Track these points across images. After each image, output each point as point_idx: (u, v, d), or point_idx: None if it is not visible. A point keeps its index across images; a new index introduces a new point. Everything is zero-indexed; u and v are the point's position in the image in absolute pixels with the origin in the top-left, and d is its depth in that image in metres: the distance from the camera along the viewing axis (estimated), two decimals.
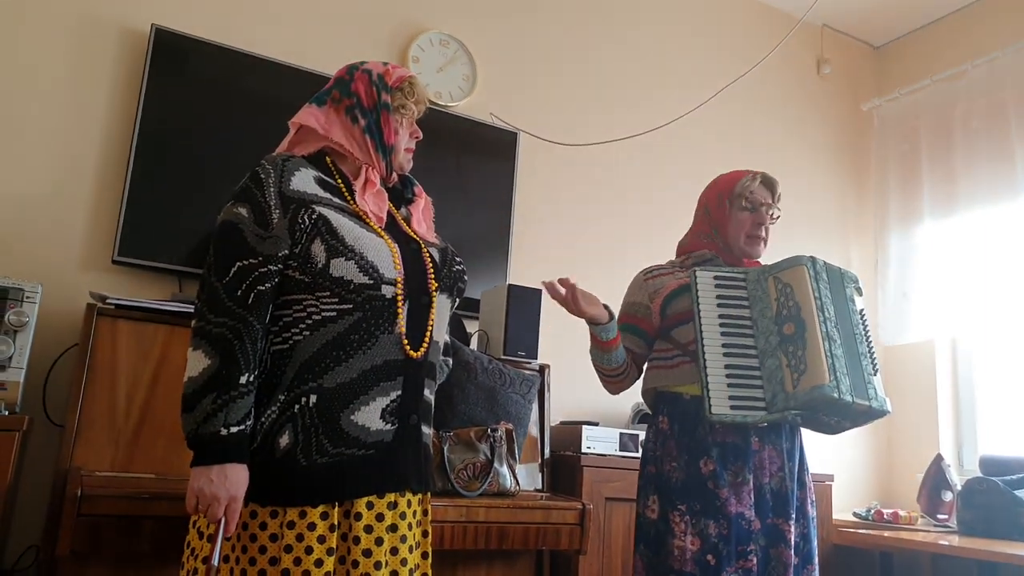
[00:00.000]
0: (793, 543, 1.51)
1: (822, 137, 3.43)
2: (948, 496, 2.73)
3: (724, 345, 1.52)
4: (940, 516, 2.74)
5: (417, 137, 1.38)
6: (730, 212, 1.65)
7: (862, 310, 1.57)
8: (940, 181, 3.11)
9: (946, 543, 2.35)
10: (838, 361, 1.45)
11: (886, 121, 3.38)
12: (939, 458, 2.80)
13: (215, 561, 1.12)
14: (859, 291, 1.60)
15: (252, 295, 1.16)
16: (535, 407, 2.26)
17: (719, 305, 1.55)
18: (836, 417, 1.52)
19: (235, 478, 1.12)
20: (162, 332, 1.85)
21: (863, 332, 1.53)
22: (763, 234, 1.64)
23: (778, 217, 1.67)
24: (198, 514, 1.19)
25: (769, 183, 1.67)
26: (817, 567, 1.57)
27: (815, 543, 1.57)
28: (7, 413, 1.61)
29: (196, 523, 1.21)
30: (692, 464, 1.53)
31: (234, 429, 1.12)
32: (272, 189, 1.20)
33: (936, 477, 2.77)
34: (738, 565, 1.46)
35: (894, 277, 3.22)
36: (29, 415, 1.65)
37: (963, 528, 2.55)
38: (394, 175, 1.36)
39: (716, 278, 1.57)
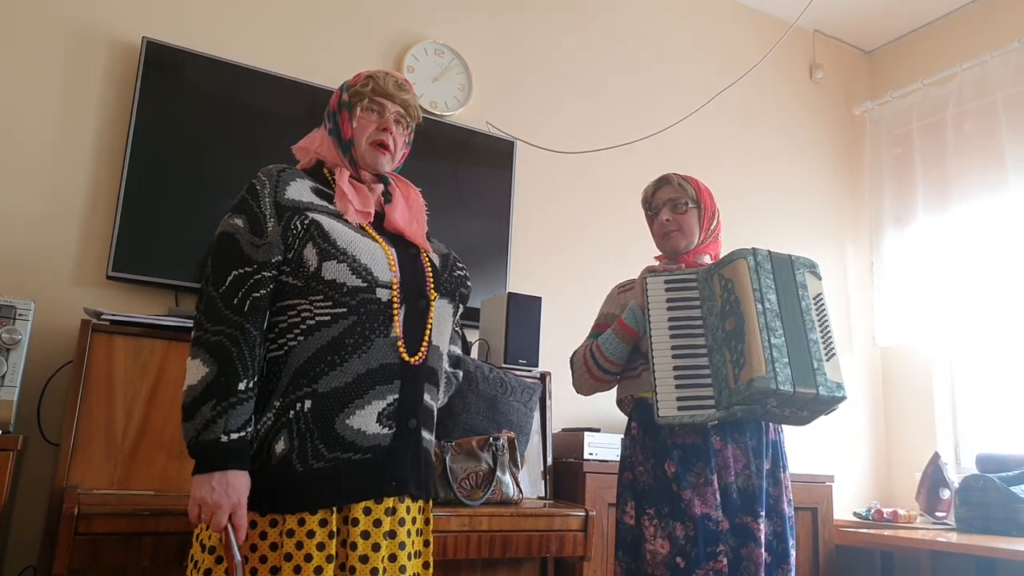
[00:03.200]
0: (764, 541, 1.50)
1: (816, 141, 3.46)
2: (946, 494, 2.74)
3: (673, 347, 1.54)
4: (938, 514, 2.75)
5: (385, 128, 1.32)
6: (650, 223, 1.76)
7: (819, 295, 1.55)
8: (933, 183, 3.14)
9: (944, 540, 2.37)
10: (777, 351, 1.44)
11: (879, 124, 3.41)
12: (936, 456, 2.82)
13: (237, 559, 1.11)
14: (815, 275, 1.58)
15: (248, 302, 1.17)
16: (537, 415, 2.25)
17: (669, 308, 1.58)
18: (787, 408, 1.48)
19: (237, 484, 1.12)
20: (159, 347, 1.83)
21: (814, 318, 1.51)
22: (670, 227, 1.68)
23: (685, 203, 1.68)
24: (201, 524, 1.18)
25: (658, 182, 1.76)
26: (793, 567, 1.54)
27: (791, 542, 1.55)
28: (1, 433, 1.59)
29: (199, 536, 1.20)
30: (658, 467, 1.56)
31: (234, 436, 1.12)
32: (267, 199, 1.22)
33: (934, 476, 2.79)
34: (708, 567, 1.46)
35: (889, 278, 3.24)
36: (24, 434, 1.63)
37: (961, 525, 2.57)
38: (365, 173, 1.33)
39: (667, 282, 1.60)
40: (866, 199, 3.45)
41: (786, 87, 3.41)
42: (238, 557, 1.11)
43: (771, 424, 1.61)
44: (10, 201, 1.99)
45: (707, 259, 1.70)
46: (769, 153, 3.30)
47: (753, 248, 1.56)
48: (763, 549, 1.49)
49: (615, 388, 1.75)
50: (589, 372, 1.69)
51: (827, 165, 3.47)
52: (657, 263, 1.74)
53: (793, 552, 1.55)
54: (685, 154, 3.03)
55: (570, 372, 1.77)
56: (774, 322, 1.47)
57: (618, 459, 2.26)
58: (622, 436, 1.77)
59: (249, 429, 1.14)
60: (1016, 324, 2.81)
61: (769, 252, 1.56)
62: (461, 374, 1.53)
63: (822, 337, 1.50)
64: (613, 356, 1.65)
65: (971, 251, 2.96)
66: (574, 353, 1.76)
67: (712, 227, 1.70)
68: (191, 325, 1.81)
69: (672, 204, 1.69)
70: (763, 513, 1.52)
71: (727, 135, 3.19)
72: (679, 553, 1.48)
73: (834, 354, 1.49)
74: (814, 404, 1.47)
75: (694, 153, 3.05)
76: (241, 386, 1.13)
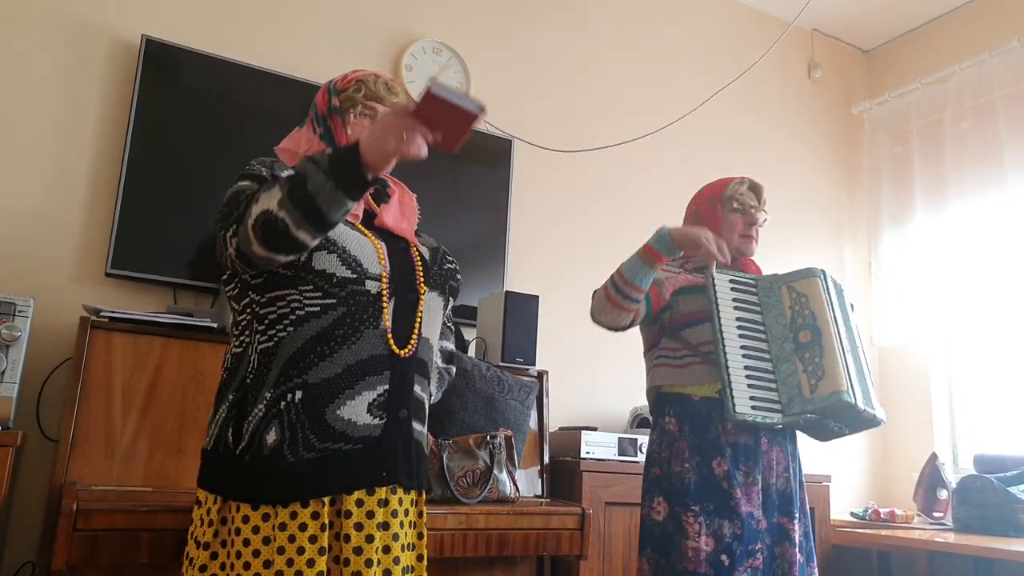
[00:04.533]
0: (798, 542, 1.55)
1: (814, 140, 3.46)
2: (943, 494, 2.75)
3: (743, 347, 1.56)
4: (936, 514, 2.75)
5: None
6: (722, 214, 1.70)
7: (857, 325, 1.67)
8: (931, 182, 3.14)
9: (941, 541, 2.37)
10: (851, 368, 1.52)
11: (877, 124, 3.41)
12: (934, 457, 2.82)
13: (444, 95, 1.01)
14: (852, 307, 1.70)
15: None
16: (534, 413, 2.26)
17: (736, 308, 1.60)
18: (842, 423, 1.56)
19: (369, 129, 1.10)
20: (157, 344, 1.84)
21: (862, 345, 1.63)
22: (754, 234, 1.70)
23: (766, 220, 1.73)
24: (195, 521, 1.19)
25: (756, 188, 1.75)
26: (817, 566, 1.62)
27: (814, 541, 1.63)
28: (0, 429, 1.60)
29: (193, 533, 1.21)
30: (705, 465, 1.55)
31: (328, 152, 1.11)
32: (266, 171, 1.25)
33: (931, 476, 2.79)
34: (747, 564, 1.49)
35: (887, 278, 3.24)
36: (23, 430, 1.64)
37: (958, 525, 2.57)
38: None
39: (732, 282, 1.62)
40: (864, 198, 3.45)
41: (785, 86, 3.41)
42: (449, 96, 1.01)
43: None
44: (10, 198, 2.00)
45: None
46: (768, 152, 3.30)
47: (823, 269, 1.65)
48: (797, 549, 1.53)
49: (645, 377, 1.72)
50: (608, 297, 1.59)
51: (825, 164, 3.47)
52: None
53: (816, 550, 1.64)
54: (683, 153, 3.04)
55: (590, 304, 1.67)
56: (846, 342, 1.56)
57: (615, 458, 2.28)
58: (645, 432, 1.79)
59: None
60: (1014, 324, 2.81)
61: (832, 277, 1.67)
62: (454, 370, 1.53)
63: (867, 364, 1.61)
64: (635, 280, 1.56)
65: (969, 251, 2.96)
66: (597, 289, 1.67)
67: None
68: (191, 322, 1.85)
69: (757, 211, 1.73)
70: (798, 515, 1.57)
71: (725, 134, 3.19)
72: (725, 551, 1.49)
73: (873, 380, 1.61)
74: (864, 423, 1.57)
75: (692, 152, 3.06)
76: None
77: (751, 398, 1.52)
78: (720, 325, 1.57)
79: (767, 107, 3.34)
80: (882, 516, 2.79)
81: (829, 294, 1.60)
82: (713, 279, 1.60)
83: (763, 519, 1.54)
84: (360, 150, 1.08)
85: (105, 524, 1.48)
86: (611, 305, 1.59)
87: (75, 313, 1.89)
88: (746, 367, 1.54)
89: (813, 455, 3.07)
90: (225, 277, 1.27)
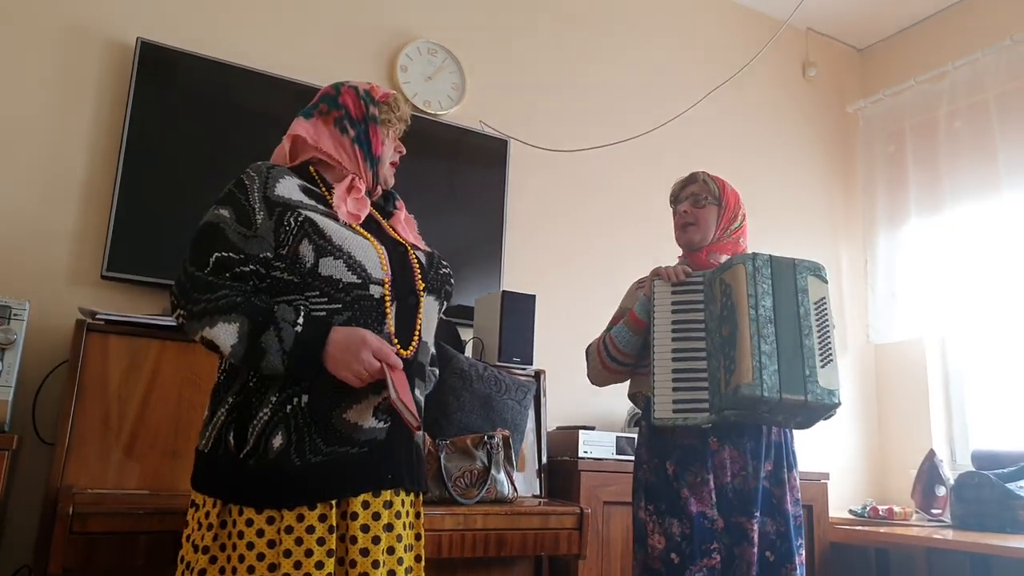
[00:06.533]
0: (761, 541, 1.52)
1: (808, 139, 3.46)
2: (941, 491, 2.75)
3: (674, 350, 1.58)
4: (934, 511, 2.76)
5: (400, 152, 1.41)
6: (673, 214, 1.79)
7: (821, 299, 1.55)
8: (925, 181, 3.15)
9: (939, 538, 2.37)
10: (767, 358, 1.46)
11: (871, 122, 3.42)
12: (931, 454, 2.82)
13: (394, 396, 1.14)
14: (820, 279, 1.58)
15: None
16: (531, 413, 2.26)
17: (675, 311, 1.61)
18: (780, 414, 1.50)
19: (342, 335, 1.16)
20: (154, 347, 1.83)
21: (812, 323, 1.52)
22: (689, 220, 1.71)
23: (706, 198, 1.72)
24: (192, 524, 1.19)
25: (688, 179, 1.78)
26: (800, 567, 1.55)
27: (795, 542, 1.56)
28: None
29: (190, 536, 1.20)
30: (660, 466, 1.60)
31: (299, 323, 1.15)
32: (256, 194, 1.22)
33: (929, 473, 2.79)
34: (702, 563, 1.49)
35: (883, 276, 3.25)
36: (18, 434, 1.63)
37: (956, 522, 2.57)
38: (379, 188, 1.38)
39: (676, 285, 1.63)
40: (859, 199, 3.45)
41: (779, 85, 3.42)
42: (395, 396, 1.13)
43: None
44: (5, 201, 1.99)
45: (723, 259, 1.72)
46: (762, 151, 3.31)
47: (755, 253, 1.57)
48: (756, 548, 1.51)
49: (628, 383, 1.78)
50: (602, 363, 1.72)
51: (820, 163, 3.48)
52: (677, 261, 1.76)
53: (800, 552, 1.57)
54: (678, 152, 3.04)
55: (585, 363, 1.79)
56: (766, 328, 1.49)
57: (612, 457, 2.28)
58: (636, 434, 1.82)
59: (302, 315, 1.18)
60: (1010, 320, 2.82)
61: (771, 257, 1.57)
62: (438, 371, 1.55)
63: (819, 342, 1.51)
64: (625, 347, 1.68)
65: (964, 249, 2.97)
66: (590, 345, 1.78)
67: (732, 227, 1.72)
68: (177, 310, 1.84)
69: (694, 199, 1.72)
70: (758, 514, 1.54)
71: (720, 133, 3.19)
72: (674, 549, 1.52)
73: (831, 360, 1.50)
74: (806, 410, 1.49)
75: (687, 151, 3.06)
76: (274, 308, 1.17)
77: (675, 401, 1.54)
78: (652, 332, 1.61)
79: (761, 106, 3.35)
80: (880, 513, 2.79)
81: (754, 280, 1.53)
82: (653, 288, 1.64)
83: (719, 519, 1.53)
84: (326, 356, 1.15)
85: (102, 527, 1.47)
86: (605, 372, 1.73)
87: (71, 316, 1.89)
88: (675, 370, 1.56)
89: (812, 453, 3.08)
90: None
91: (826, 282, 1.57)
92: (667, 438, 1.60)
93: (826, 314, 1.54)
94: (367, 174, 1.34)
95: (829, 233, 3.43)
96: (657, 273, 1.67)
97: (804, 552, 1.59)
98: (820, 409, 1.49)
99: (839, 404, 1.48)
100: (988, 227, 2.91)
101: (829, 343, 1.52)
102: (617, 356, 1.69)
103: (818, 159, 3.47)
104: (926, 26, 3.40)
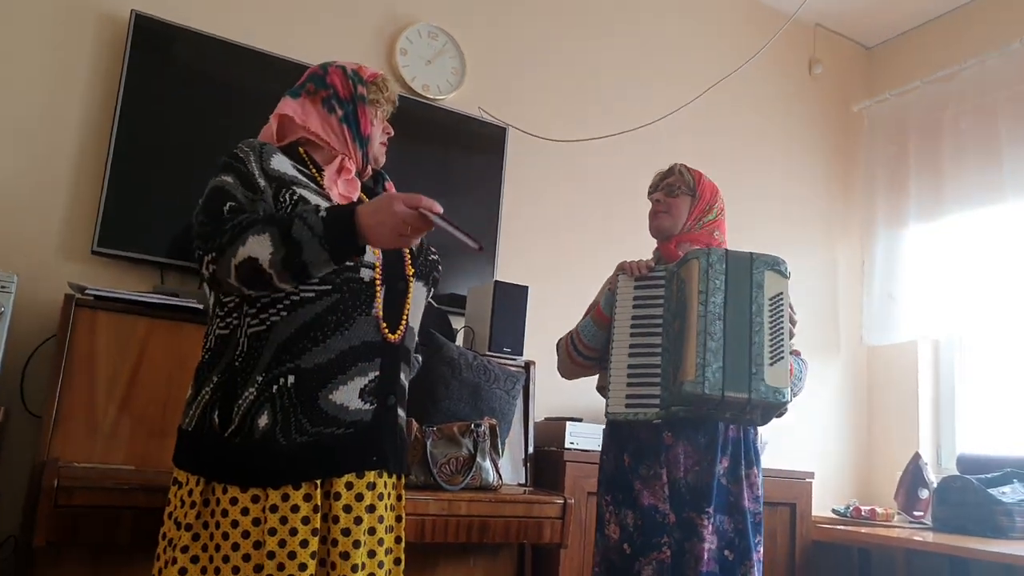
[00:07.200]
0: (709, 538, 1.52)
1: (811, 137, 3.44)
2: (924, 494, 2.77)
3: (631, 346, 1.59)
4: (916, 513, 2.78)
5: (389, 133, 1.40)
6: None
7: (777, 295, 1.52)
8: (927, 183, 3.13)
9: (920, 540, 2.39)
10: (712, 355, 1.45)
11: (876, 123, 3.39)
12: (916, 456, 2.84)
13: (447, 226, 1.10)
14: (779, 273, 1.54)
15: None
16: (520, 403, 2.27)
17: (635, 306, 1.62)
18: (727, 411, 1.48)
19: (372, 204, 1.12)
20: (143, 324, 1.83)
21: (765, 319, 1.48)
22: (661, 208, 1.71)
23: (680, 187, 1.71)
24: (175, 501, 1.19)
25: (667, 171, 1.78)
26: (757, 564, 1.55)
27: (753, 539, 1.55)
28: None
29: (172, 514, 1.21)
30: (619, 457, 1.63)
31: (322, 211, 1.13)
32: (254, 165, 1.22)
33: (913, 475, 2.81)
34: (651, 556, 1.51)
35: (879, 278, 3.24)
36: (6, 407, 1.64)
37: (937, 525, 2.59)
38: (368, 168, 1.38)
39: (639, 279, 1.63)
40: (859, 199, 3.44)
41: (784, 82, 3.39)
42: (450, 227, 1.10)
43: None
44: None
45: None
46: (764, 148, 3.29)
47: (711, 248, 1.56)
48: (706, 545, 1.51)
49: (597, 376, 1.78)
50: (569, 356, 1.74)
51: (822, 162, 3.46)
52: (652, 256, 1.75)
53: (758, 549, 1.56)
54: (679, 145, 3.02)
55: (556, 356, 1.81)
56: (714, 325, 1.48)
57: (598, 449, 2.28)
58: None
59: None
60: (1005, 327, 2.82)
61: (727, 252, 1.55)
62: (420, 358, 1.55)
63: (771, 339, 1.48)
64: (590, 341, 1.70)
65: (962, 254, 2.96)
66: (560, 338, 1.80)
67: (705, 219, 1.70)
68: (177, 302, 1.85)
69: (668, 188, 1.72)
70: (710, 510, 1.53)
71: (722, 127, 3.17)
72: (627, 540, 1.55)
73: (781, 358, 1.47)
74: (752, 408, 1.47)
75: (688, 144, 3.04)
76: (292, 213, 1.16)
77: (628, 396, 1.55)
78: (612, 327, 1.62)
79: (765, 102, 3.32)
80: (863, 514, 2.81)
81: (706, 276, 1.50)
82: (617, 283, 1.65)
83: (671, 513, 1.54)
84: (360, 229, 1.12)
85: (86, 501, 1.48)
86: (572, 364, 1.75)
87: (60, 291, 1.88)
88: (630, 365, 1.57)
89: (799, 452, 3.09)
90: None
91: (786, 277, 1.54)
92: (624, 431, 1.62)
93: (781, 309, 1.51)
94: (356, 154, 1.33)
95: (827, 232, 3.42)
96: (622, 268, 1.67)
97: (763, 550, 1.58)
98: (766, 407, 1.46)
99: (786, 402, 1.46)
100: (988, 233, 2.89)
101: (781, 340, 1.48)
102: (583, 350, 1.71)
103: (820, 158, 3.45)
104: (935, 26, 3.36)
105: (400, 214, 1.10)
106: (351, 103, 1.32)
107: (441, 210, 1.12)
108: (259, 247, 1.10)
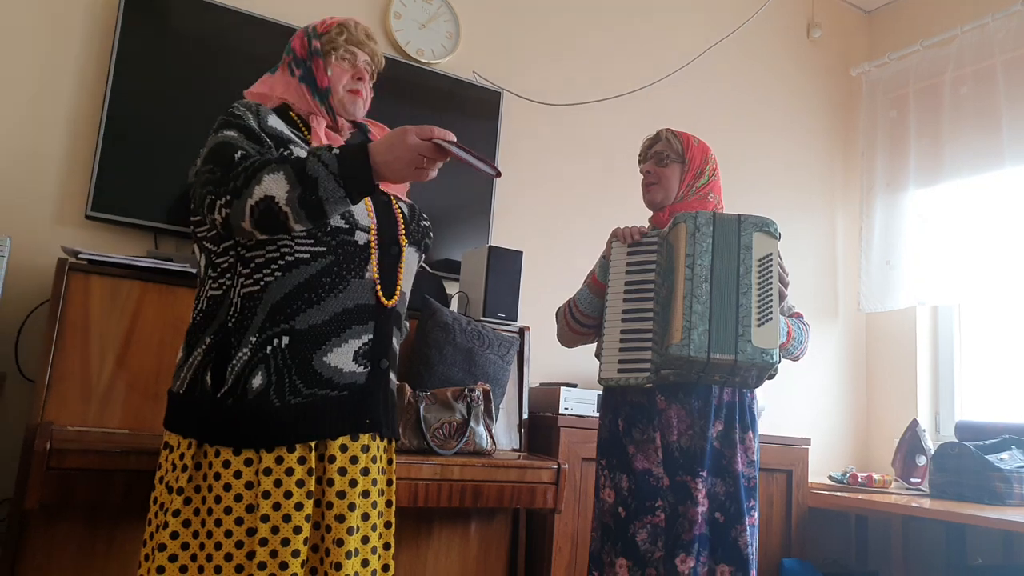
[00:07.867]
0: (703, 501, 1.52)
1: (810, 101, 3.39)
2: (922, 460, 2.77)
3: (624, 311, 1.59)
4: (913, 480, 2.79)
5: (360, 78, 1.35)
6: None
7: (766, 256, 1.50)
8: (927, 148, 3.09)
9: (916, 506, 2.40)
10: (698, 317, 1.44)
11: (875, 87, 3.34)
12: (914, 423, 2.83)
13: (465, 156, 1.12)
14: (768, 234, 1.52)
15: None
16: (514, 368, 2.27)
17: (628, 272, 1.62)
18: (716, 373, 1.47)
19: (384, 138, 1.12)
20: (136, 288, 1.83)
21: (752, 281, 1.47)
22: (652, 180, 1.69)
23: (669, 156, 1.69)
24: (166, 465, 1.19)
25: (654, 137, 1.75)
26: (751, 528, 1.54)
27: (746, 503, 1.55)
28: None
29: (163, 478, 1.21)
30: (613, 423, 1.63)
31: (335, 149, 1.12)
32: (252, 121, 1.23)
33: (911, 442, 2.81)
34: (646, 520, 1.52)
35: (878, 244, 3.21)
36: (1, 371, 1.64)
37: (934, 491, 2.59)
38: (342, 120, 1.35)
39: (631, 245, 1.63)
40: (858, 164, 3.39)
41: (782, 45, 3.33)
42: (468, 157, 1.11)
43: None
44: None
45: None
46: (762, 112, 3.24)
47: (698, 212, 1.55)
48: (700, 508, 1.52)
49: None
50: (567, 324, 1.75)
51: (821, 127, 3.41)
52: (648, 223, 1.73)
53: (752, 513, 1.56)
54: (676, 108, 2.98)
55: (555, 325, 1.81)
56: (700, 288, 1.47)
57: (593, 415, 2.30)
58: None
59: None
60: (1004, 294, 2.80)
61: (714, 214, 1.54)
62: (408, 324, 1.55)
63: (758, 300, 1.46)
64: (586, 309, 1.71)
65: (962, 220, 2.93)
66: (559, 307, 1.80)
67: (697, 184, 1.67)
68: (171, 266, 1.84)
69: (657, 158, 1.70)
70: (703, 473, 1.54)
71: (720, 91, 3.13)
72: (621, 503, 1.56)
73: (769, 319, 1.45)
74: (740, 370, 1.45)
75: (685, 108, 3.00)
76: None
77: (620, 361, 1.56)
78: (607, 293, 1.62)
79: (763, 65, 3.26)
80: (859, 480, 2.82)
81: (693, 239, 1.50)
82: (611, 247, 1.65)
83: (664, 477, 1.54)
84: (374, 165, 1.10)
85: (79, 463, 1.48)
86: (570, 332, 1.75)
87: (54, 255, 1.88)
88: (623, 331, 1.58)
89: (797, 418, 3.10)
90: (198, 219, 1.25)
91: (776, 238, 1.52)
92: (618, 395, 1.63)
93: (769, 270, 1.49)
94: (319, 109, 1.32)
95: (826, 197, 3.39)
96: (615, 234, 1.66)
97: (757, 515, 1.58)
98: (754, 368, 1.45)
99: (774, 363, 1.44)
100: (988, 197, 2.86)
101: (770, 301, 1.46)
102: (580, 318, 1.71)
103: (819, 122, 3.40)
104: None
105: (415, 146, 1.09)
106: (308, 60, 1.32)
107: (455, 138, 1.11)
108: (275, 185, 1.09)
